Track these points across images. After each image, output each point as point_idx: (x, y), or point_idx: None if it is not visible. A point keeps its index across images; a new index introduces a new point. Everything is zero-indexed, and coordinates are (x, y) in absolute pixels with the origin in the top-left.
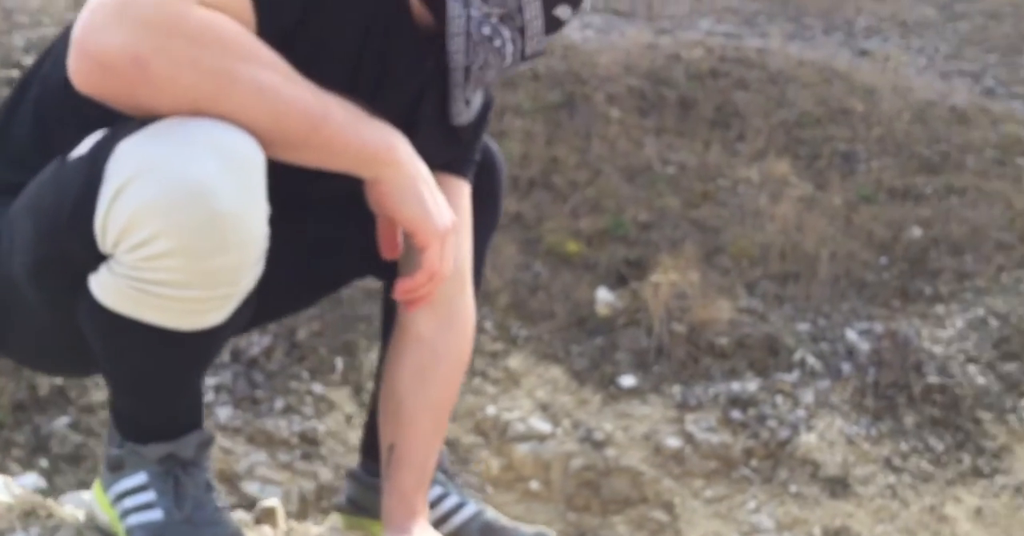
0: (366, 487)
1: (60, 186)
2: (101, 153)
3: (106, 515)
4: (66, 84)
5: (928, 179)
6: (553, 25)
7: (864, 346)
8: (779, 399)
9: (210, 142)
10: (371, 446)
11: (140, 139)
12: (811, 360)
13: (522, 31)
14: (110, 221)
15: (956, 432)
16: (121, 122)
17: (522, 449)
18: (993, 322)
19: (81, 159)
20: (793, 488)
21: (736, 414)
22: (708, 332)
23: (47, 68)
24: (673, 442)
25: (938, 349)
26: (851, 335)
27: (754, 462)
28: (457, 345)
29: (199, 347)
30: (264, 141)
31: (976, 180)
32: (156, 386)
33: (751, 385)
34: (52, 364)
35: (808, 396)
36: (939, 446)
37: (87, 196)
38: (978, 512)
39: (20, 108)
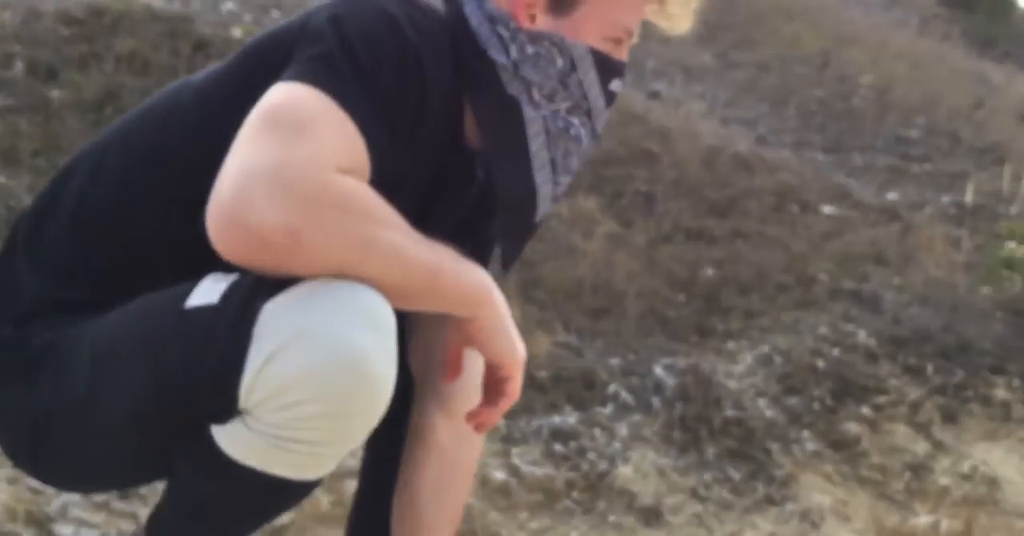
0: None
1: (192, 341)
2: (244, 313)
3: None
4: (111, 206)
5: (718, 222)
6: (610, 100)
7: (670, 381)
8: (597, 432)
9: (359, 309)
10: None
11: (288, 303)
12: (624, 394)
13: (589, 113)
14: (260, 382)
15: (750, 462)
16: (249, 279)
17: (352, 485)
18: (777, 358)
19: (216, 315)
20: (612, 518)
21: (558, 447)
22: (529, 366)
23: (82, 185)
24: (499, 475)
25: (732, 384)
26: (658, 370)
27: (575, 494)
28: (471, 455)
29: (301, 493)
30: (388, 296)
31: (758, 225)
32: (241, 526)
33: (571, 418)
34: (91, 485)
35: (623, 429)
36: (736, 476)
37: (234, 356)
38: None
39: (52, 220)
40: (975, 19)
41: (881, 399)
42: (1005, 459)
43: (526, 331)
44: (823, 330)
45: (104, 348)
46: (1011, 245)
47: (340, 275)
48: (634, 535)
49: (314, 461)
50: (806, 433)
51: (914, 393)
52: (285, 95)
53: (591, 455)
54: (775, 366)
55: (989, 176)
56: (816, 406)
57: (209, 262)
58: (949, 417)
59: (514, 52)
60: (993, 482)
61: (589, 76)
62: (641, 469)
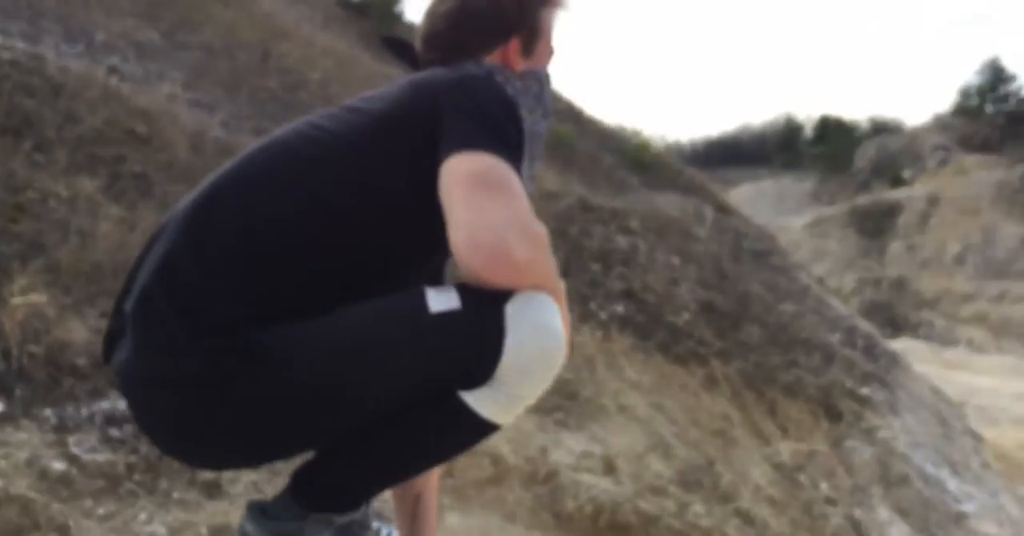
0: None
1: (453, 334)
2: (493, 314)
3: None
4: (282, 248)
5: None
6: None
7: None
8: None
9: (557, 313)
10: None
11: (519, 307)
12: None
13: (546, 114)
14: (512, 360)
15: None
16: (477, 290)
17: None
18: None
19: (468, 316)
20: (176, 495)
21: (114, 432)
22: (67, 353)
23: (245, 226)
24: (58, 465)
25: None
26: None
27: (137, 476)
28: None
29: (490, 435)
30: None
31: None
32: (422, 468)
33: (120, 404)
34: (264, 456)
35: None
36: None
37: (494, 343)
38: None
39: (219, 256)
40: (367, 23)
41: None
42: None
43: (59, 320)
44: None
45: (345, 345)
46: None
47: (536, 286)
48: (200, 509)
49: (518, 411)
50: None
51: None
52: (482, 163)
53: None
54: None
55: None
56: None
57: (349, 285)
58: None
59: (510, 89)
60: None
61: (547, 88)
62: None
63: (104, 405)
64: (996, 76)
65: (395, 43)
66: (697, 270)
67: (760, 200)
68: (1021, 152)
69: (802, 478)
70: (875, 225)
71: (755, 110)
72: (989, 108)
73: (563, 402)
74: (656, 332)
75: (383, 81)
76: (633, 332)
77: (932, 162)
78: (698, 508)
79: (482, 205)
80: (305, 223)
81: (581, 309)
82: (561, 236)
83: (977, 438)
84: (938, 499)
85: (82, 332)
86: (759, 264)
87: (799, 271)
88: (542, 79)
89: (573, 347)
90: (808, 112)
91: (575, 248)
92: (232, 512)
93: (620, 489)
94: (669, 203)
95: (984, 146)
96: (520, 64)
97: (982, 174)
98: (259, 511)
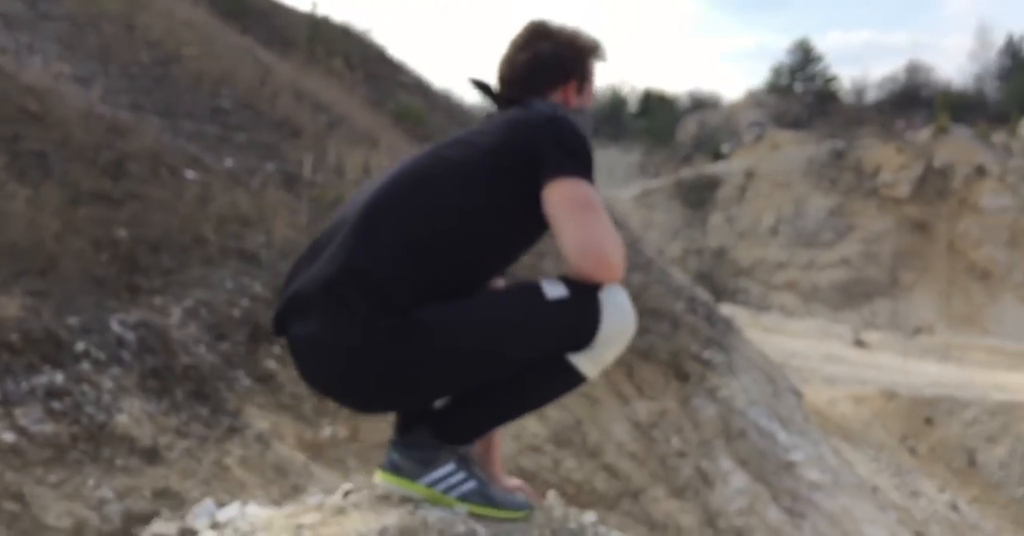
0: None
1: (568, 313)
2: (593, 300)
3: (418, 495)
4: (438, 255)
5: (113, 184)
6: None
7: (129, 336)
8: (86, 387)
9: (629, 299)
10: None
11: (609, 295)
12: (95, 351)
13: (591, 140)
14: (606, 333)
15: (209, 400)
16: (578, 283)
17: None
18: (202, 310)
19: (575, 302)
20: (119, 462)
21: (56, 404)
22: (1, 330)
23: (411, 242)
24: (8, 436)
25: (177, 334)
26: (115, 327)
27: (81, 445)
28: None
29: (581, 385)
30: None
31: (143, 187)
32: (528, 411)
33: (58, 377)
34: (415, 401)
35: (107, 383)
36: (204, 412)
37: (595, 320)
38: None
39: (393, 263)
40: None
41: (285, 339)
42: None
43: None
44: (229, 284)
45: (489, 320)
46: None
47: (617, 280)
48: (142, 475)
49: (603, 368)
50: (240, 372)
51: None
52: (576, 188)
53: (88, 409)
54: (202, 317)
55: (293, 147)
56: (241, 349)
57: (472, 282)
58: None
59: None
60: None
61: (589, 118)
62: (133, 416)
63: (43, 379)
64: (805, 56)
65: (480, 83)
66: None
67: None
68: (828, 129)
69: (656, 434)
70: (698, 197)
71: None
72: (799, 87)
73: None
74: None
75: (246, 56)
76: None
77: (748, 137)
78: (570, 463)
79: (585, 223)
80: (447, 232)
81: None
82: None
83: (798, 395)
84: (771, 450)
85: (12, 309)
86: None
87: (642, 244)
88: (588, 113)
89: None
90: (632, 85)
91: None
92: (171, 476)
93: (504, 447)
94: None
95: (795, 123)
96: (575, 102)
97: (793, 149)
98: (402, 445)
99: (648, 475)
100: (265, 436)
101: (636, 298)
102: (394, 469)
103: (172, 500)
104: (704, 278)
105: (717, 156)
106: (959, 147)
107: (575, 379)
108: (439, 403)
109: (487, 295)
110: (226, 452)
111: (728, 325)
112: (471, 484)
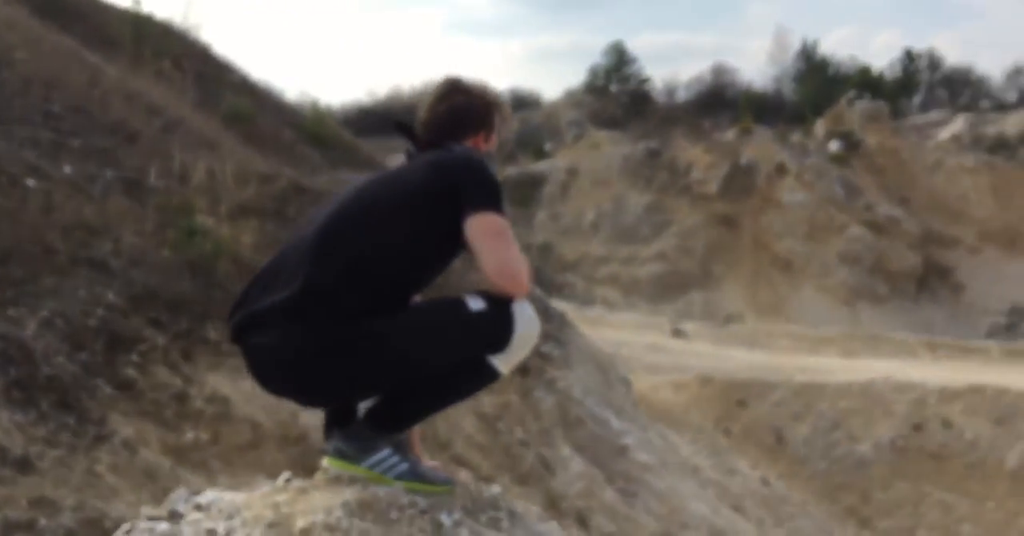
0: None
1: (487, 323)
2: (507, 312)
3: (361, 475)
4: (380, 272)
5: None
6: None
7: None
8: None
9: (533, 309)
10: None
11: (518, 309)
12: None
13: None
14: (517, 339)
15: (74, 410)
16: (491, 297)
17: None
18: (58, 321)
19: (492, 313)
20: None
21: None
22: None
23: (354, 259)
24: None
25: (35, 345)
26: None
27: None
28: None
29: (495, 381)
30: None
31: None
32: (450, 404)
33: None
34: (362, 395)
35: None
36: (71, 421)
37: (509, 329)
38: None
39: (346, 277)
40: None
41: (143, 346)
42: (229, 382)
43: None
44: (82, 293)
45: (424, 327)
46: (197, 216)
47: (524, 294)
48: (16, 484)
49: (513, 367)
50: (100, 380)
51: (160, 339)
52: (493, 221)
53: None
54: (58, 327)
55: (130, 153)
56: (99, 358)
57: (407, 295)
58: (187, 356)
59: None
60: (226, 400)
61: (495, 160)
62: (2, 426)
63: None
64: (620, 58)
65: (402, 126)
66: None
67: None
68: (643, 129)
69: (501, 425)
70: (524, 195)
71: (403, 77)
72: (614, 87)
73: None
74: None
75: (72, 57)
76: None
77: (569, 136)
78: (423, 457)
79: (500, 249)
80: (386, 257)
81: None
82: (280, 217)
83: (627, 384)
84: (605, 436)
85: None
86: None
87: None
88: (493, 156)
89: None
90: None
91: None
92: (45, 484)
93: None
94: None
95: (612, 122)
96: (484, 147)
97: (612, 148)
98: (344, 435)
99: (494, 465)
100: (131, 442)
101: None
102: (339, 455)
103: (48, 508)
104: (533, 274)
105: (540, 155)
106: (761, 147)
107: (491, 376)
108: (364, 403)
109: (420, 306)
110: (95, 459)
111: (563, 320)
112: (404, 465)
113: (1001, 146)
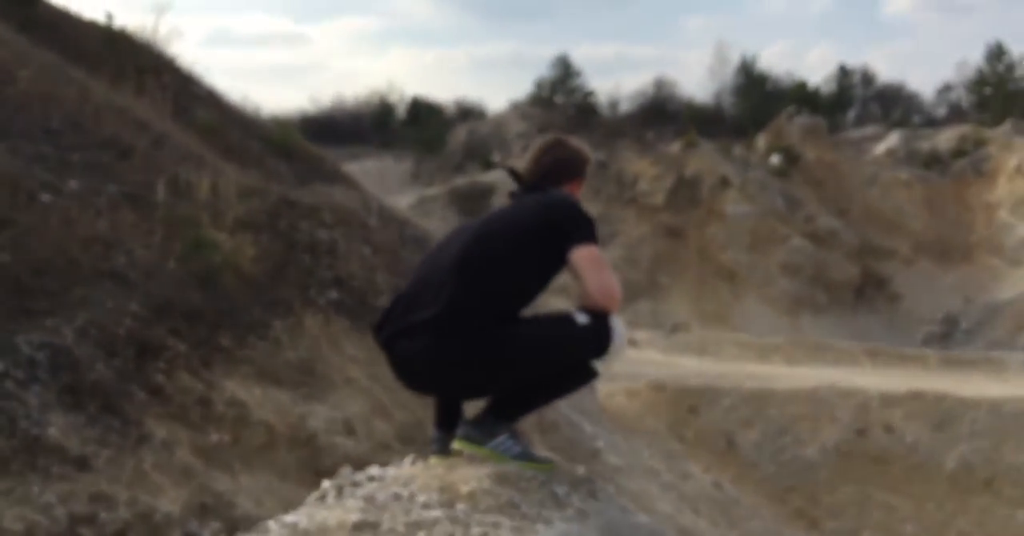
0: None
1: (591, 334)
2: (606, 325)
3: (484, 455)
4: (498, 296)
5: None
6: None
7: (39, 356)
8: (15, 404)
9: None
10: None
11: (615, 320)
12: (13, 371)
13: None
14: (614, 349)
15: (120, 414)
16: (592, 315)
17: None
18: (93, 330)
19: (594, 326)
20: (54, 470)
21: None
22: None
23: (481, 290)
24: None
25: (79, 352)
26: (24, 347)
27: (20, 457)
28: None
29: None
30: None
31: (13, 213)
32: (557, 398)
33: None
34: (491, 390)
35: (32, 399)
36: (116, 423)
37: (606, 340)
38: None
39: (477, 299)
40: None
41: (168, 354)
42: (243, 388)
43: None
44: (109, 304)
45: (544, 338)
46: (204, 230)
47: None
48: (76, 482)
49: (609, 369)
50: (134, 386)
51: (182, 347)
52: (592, 251)
53: (22, 423)
54: (93, 336)
55: (127, 168)
56: (131, 365)
57: (523, 308)
58: (205, 363)
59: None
60: (243, 405)
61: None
62: (60, 428)
63: None
64: (565, 71)
65: (513, 171)
66: (383, 258)
67: (365, 179)
68: (590, 141)
69: None
70: (472, 205)
71: (345, 87)
72: (560, 99)
73: (305, 378)
74: (364, 314)
75: (59, 73)
76: (347, 315)
77: (516, 147)
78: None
79: (600, 274)
80: (510, 279)
81: (303, 297)
82: (272, 231)
83: (594, 390)
84: (579, 439)
85: None
86: (421, 250)
87: None
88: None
89: (304, 329)
90: (400, 93)
91: (288, 242)
92: (101, 481)
93: (360, 446)
94: (339, 194)
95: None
96: (577, 192)
97: None
98: (472, 423)
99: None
100: (169, 443)
101: None
102: (467, 438)
103: (106, 503)
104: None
105: (488, 165)
106: (705, 159)
107: (592, 376)
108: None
109: (538, 320)
110: (141, 459)
111: None
112: (518, 448)
113: (934, 161)
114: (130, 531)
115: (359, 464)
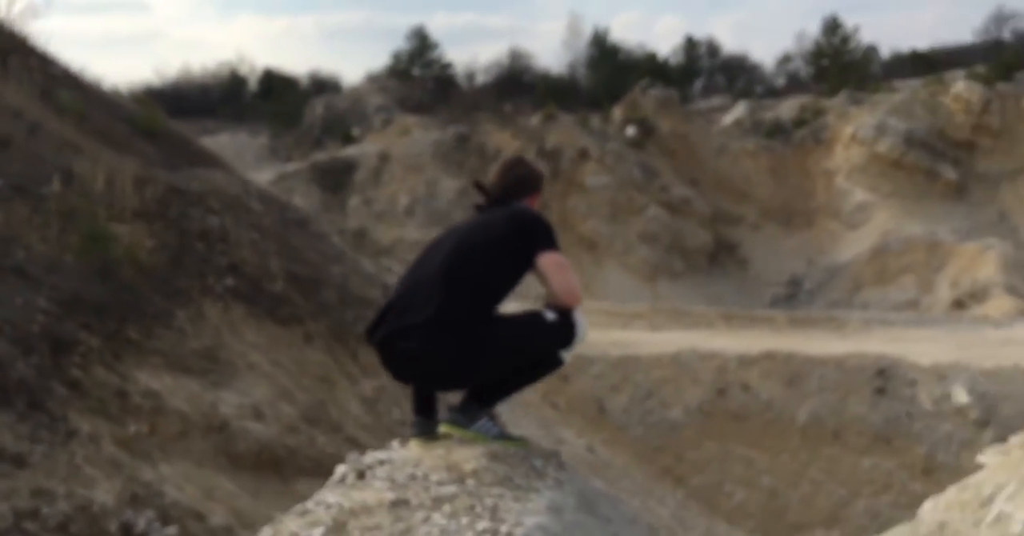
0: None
1: (559, 329)
2: (571, 322)
3: (467, 437)
4: (479, 300)
5: None
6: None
7: None
8: None
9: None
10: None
11: (577, 316)
12: None
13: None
14: (578, 339)
15: (43, 409)
16: (557, 312)
17: None
18: (6, 327)
19: (557, 322)
20: None
21: None
22: None
23: (463, 293)
24: None
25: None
26: None
27: None
28: None
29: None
30: None
31: None
32: (530, 385)
33: None
34: (474, 381)
35: None
36: (44, 419)
37: (568, 333)
38: None
39: (460, 303)
40: None
41: (81, 349)
42: (155, 378)
43: None
44: (19, 300)
45: (520, 334)
46: (100, 222)
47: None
48: (15, 478)
49: (571, 356)
50: (53, 382)
51: (94, 341)
52: (557, 257)
53: None
54: (7, 334)
55: (8, 159)
56: (48, 361)
57: (497, 308)
58: (117, 355)
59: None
60: (157, 395)
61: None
62: None
63: None
64: (422, 42)
65: (479, 186)
66: (273, 243)
67: (221, 156)
68: (450, 114)
69: (380, 407)
70: (335, 180)
71: (190, 57)
72: (417, 72)
73: (211, 365)
74: (261, 300)
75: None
76: (244, 301)
77: (377, 121)
78: (322, 439)
79: (564, 277)
80: (489, 283)
81: (201, 284)
82: (164, 220)
83: None
84: None
85: None
86: (304, 233)
87: (332, 236)
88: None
89: (205, 318)
90: (250, 65)
91: (180, 230)
92: (39, 477)
93: (269, 430)
94: (220, 179)
95: (419, 107)
96: (534, 205)
97: (421, 134)
98: (457, 409)
99: (380, 443)
100: (95, 437)
101: (342, 289)
102: (453, 423)
103: (46, 498)
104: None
105: (348, 140)
106: (565, 132)
107: (559, 364)
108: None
109: (513, 319)
110: (72, 453)
111: None
112: (496, 429)
113: (778, 130)
114: (71, 524)
115: (269, 447)
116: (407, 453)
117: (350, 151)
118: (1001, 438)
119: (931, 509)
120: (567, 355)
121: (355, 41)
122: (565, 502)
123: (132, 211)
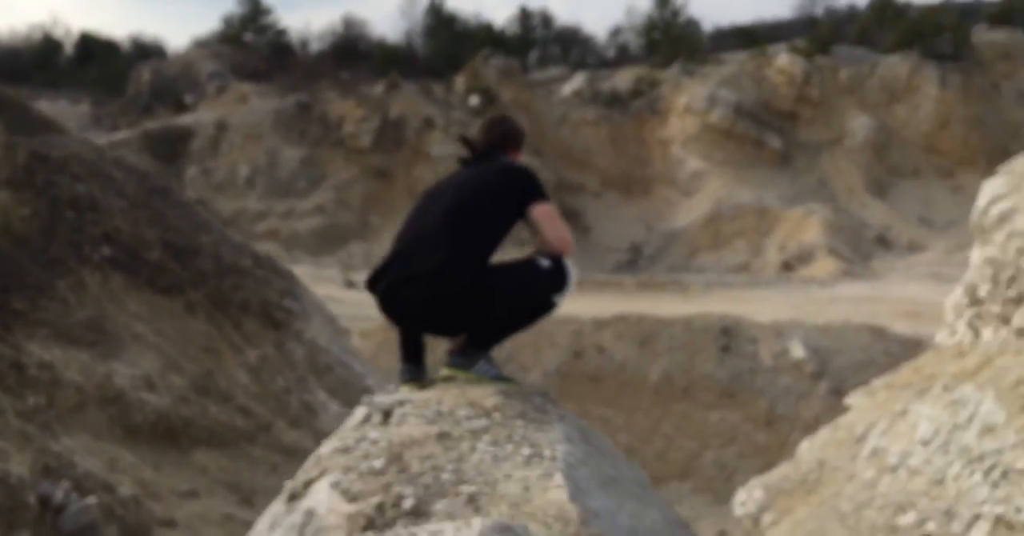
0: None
1: (553, 274)
2: (563, 268)
3: (469, 378)
4: (473, 249)
5: None
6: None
7: None
8: None
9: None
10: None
11: (569, 263)
12: None
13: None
14: (569, 284)
15: None
16: (551, 259)
17: None
18: None
19: (554, 268)
20: None
21: None
22: None
23: (457, 244)
24: None
25: None
26: None
27: None
28: None
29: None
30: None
31: None
32: (525, 327)
33: None
34: (469, 326)
35: None
36: None
37: (565, 278)
38: None
39: (452, 255)
40: None
41: None
42: (46, 350)
43: None
44: None
45: (518, 281)
46: None
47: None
48: None
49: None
50: None
51: None
52: (548, 207)
53: None
54: None
55: None
56: None
57: (492, 256)
58: (7, 327)
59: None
60: (51, 366)
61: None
62: None
63: None
64: (255, 8)
65: (466, 139)
66: (143, 211)
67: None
68: (288, 81)
69: (265, 376)
70: (169, 150)
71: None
72: (250, 37)
73: (98, 336)
74: (141, 269)
75: None
76: (123, 271)
77: (211, 89)
78: (213, 409)
79: (555, 226)
80: (486, 233)
81: (78, 255)
82: (32, 188)
83: (347, 332)
84: (352, 379)
85: None
86: (168, 202)
87: (196, 205)
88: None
89: (85, 288)
90: (66, 28)
91: (49, 199)
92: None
93: (162, 401)
94: (74, 145)
95: (255, 75)
96: (517, 159)
97: (260, 102)
98: (457, 352)
99: (270, 411)
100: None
101: (216, 258)
102: (455, 365)
103: None
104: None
105: (181, 107)
106: (409, 101)
107: (551, 308)
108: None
109: (510, 266)
110: None
111: (291, 275)
112: (494, 370)
113: (615, 100)
114: None
115: (165, 418)
116: (423, 394)
117: (184, 119)
118: (835, 390)
119: (808, 448)
120: (560, 300)
121: (177, 3)
122: (572, 434)
123: (3, 179)
